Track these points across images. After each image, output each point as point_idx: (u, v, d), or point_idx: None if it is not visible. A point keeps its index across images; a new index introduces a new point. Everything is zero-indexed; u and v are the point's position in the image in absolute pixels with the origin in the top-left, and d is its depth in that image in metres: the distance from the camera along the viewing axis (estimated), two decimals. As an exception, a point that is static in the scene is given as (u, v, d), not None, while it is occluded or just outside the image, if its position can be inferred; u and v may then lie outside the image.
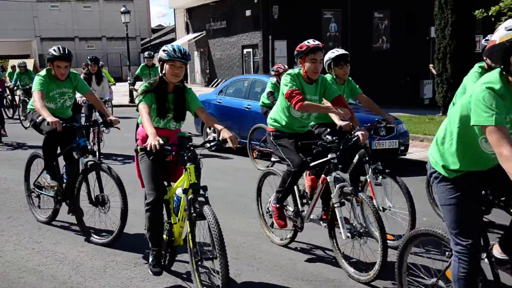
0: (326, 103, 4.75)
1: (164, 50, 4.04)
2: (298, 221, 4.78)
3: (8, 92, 16.29)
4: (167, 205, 4.11)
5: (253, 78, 11.05)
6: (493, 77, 2.72)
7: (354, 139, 4.50)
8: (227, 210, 6.08)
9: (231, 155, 9.77)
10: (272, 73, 8.84)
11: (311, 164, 4.61)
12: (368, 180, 4.87)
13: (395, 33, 22.69)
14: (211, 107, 10.51)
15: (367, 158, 4.87)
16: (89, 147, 5.27)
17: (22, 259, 4.68)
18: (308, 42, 4.59)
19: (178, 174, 4.20)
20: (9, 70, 16.54)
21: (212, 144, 3.90)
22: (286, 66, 8.90)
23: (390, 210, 4.91)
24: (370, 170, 4.83)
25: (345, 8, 21.72)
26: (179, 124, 4.31)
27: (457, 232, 2.91)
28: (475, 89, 2.70)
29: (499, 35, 2.69)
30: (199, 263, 3.74)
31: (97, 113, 9.33)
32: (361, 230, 4.29)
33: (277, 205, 4.79)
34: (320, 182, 4.55)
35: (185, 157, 3.76)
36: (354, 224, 4.37)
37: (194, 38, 27.35)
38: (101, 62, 18.01)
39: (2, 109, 12.84)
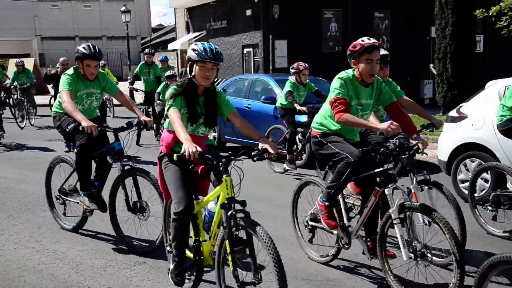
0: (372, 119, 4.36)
1: (194, 50, 3.63)
2: (344, 237, 4.33)
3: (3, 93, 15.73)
4: (194, 220, 3.76)
5: (254, 77, 11.06)
6: None
7: (414, 148, 4.02)
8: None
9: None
10: (292, 70, 8.36)
11: (362, 175, 4.17)
12: (413, 190, 4.21)
13: (396, 33, 22.65)
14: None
15: (411, 167, 4.17)
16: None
17: (22, 258, 4.69)
18: (362, 41, 4.13)
19: (204, 187, 3.93)
20: (15, 69, 16.38)
21: (253, 154, 3.52)
22: (306, 64, 8.42)
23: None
24: (414, 179, 4.21)
25: (345, 8, 21.70)
26: (208, 130, 3.96)
27: None
28: None
29: None
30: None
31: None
32: (423, 250, 3.84)
33: (326, 203, 4.29)
34: (373, 195, 4.07)
35: (222, 168, 3.41)
36: (413, 243, 3.93)
37: (194, 37, 27.34)
38: (103, 62, 18.01)
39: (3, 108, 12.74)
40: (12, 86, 14.76)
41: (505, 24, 11.77)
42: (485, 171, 5.88)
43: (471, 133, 6.57)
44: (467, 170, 6.59)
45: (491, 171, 6.00)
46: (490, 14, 11.52)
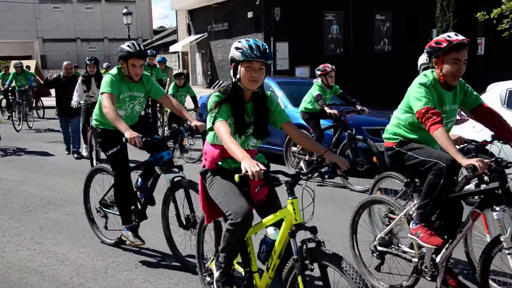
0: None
1: (237, 48, 3.13)
2: (429, 266, 3.63)
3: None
4: (243, 248, 3.29)
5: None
6: None
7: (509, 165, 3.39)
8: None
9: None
10: (318, 72, 7.82)
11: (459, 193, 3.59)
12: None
13: (397, 35, 22.68)
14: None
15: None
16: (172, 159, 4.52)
17: (24, 260, 4.69)
18: (449, 36, 3.54)
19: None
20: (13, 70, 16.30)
21: (324, 171, 3.06)
22: (333, 66, 7.85)
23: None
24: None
25: (346, 10, 21.74)
26: (259, 142, 3.38)
27: None
28: None
29: None
30: None
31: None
32: None
33: (423, 224, 3.61)
34: (471, 218, 3.48)
35: (287, 190, 2.94)
36: None
37: (195, 39, 27.38)
38: (108, 64, 17.95)
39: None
40: (9, 88, 14.18)
41: (507, 26, 11.78)
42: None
43: (472, 135, 6.56)
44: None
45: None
46: (491, 16, 11.53)
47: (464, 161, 3.19)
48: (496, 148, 4.11)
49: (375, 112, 9.29)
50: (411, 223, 3.72)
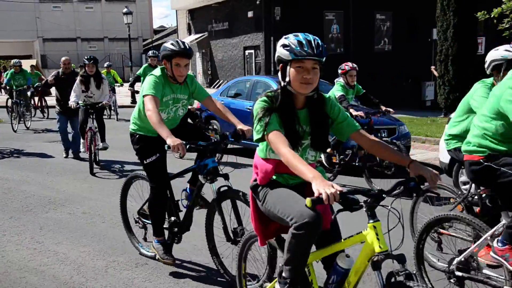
0: None
1: (284, 46, 2.66)
2: None
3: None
4: (304, 277, 2.81)
5: (255, 79, 11.07)
6: None
7: None
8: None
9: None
10: (339, 71, 7.46)
11: None
12: None
13: (397, 35, 22.68)
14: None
15: None
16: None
17: (24, 259, 4.69)
18: None
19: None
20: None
21: (412, 185, 2.57)
22: (354, 65, 7.50)
23: None
24: None
25: (347, 10, 21.73)
26: (319, 155, 2.91)
27: None
28: None
29: None
30: None
31: (94, 120, 8.55)
32: None
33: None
34: None
35: (367, 211, 2.50)
36: None
37: (196, 39, 27.38)
38: (109, 63, 17.85)
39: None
40: (7, 87, 14.05)
41: (507, 26, 11.79)
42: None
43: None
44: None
45: None
46: (491, 16, 11.54)
47: None
48: None
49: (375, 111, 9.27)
50: (495, 241, 3.36)
